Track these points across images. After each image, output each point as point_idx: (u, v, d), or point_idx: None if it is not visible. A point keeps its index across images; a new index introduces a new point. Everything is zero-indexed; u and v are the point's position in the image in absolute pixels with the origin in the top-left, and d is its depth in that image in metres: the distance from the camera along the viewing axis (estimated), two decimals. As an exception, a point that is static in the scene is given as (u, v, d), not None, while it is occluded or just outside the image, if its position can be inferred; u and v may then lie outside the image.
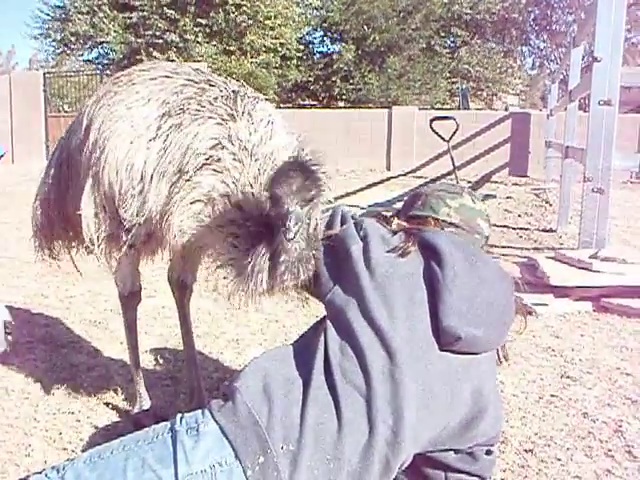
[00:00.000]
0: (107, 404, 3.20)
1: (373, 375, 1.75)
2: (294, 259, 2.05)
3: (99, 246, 2.57)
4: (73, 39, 21.26)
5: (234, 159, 2.27)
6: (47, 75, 19.03)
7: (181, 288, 3.07)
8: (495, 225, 7.77)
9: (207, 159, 2.28)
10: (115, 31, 19.59)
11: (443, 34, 23.79)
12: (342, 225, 2.14)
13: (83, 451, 2.74)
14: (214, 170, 2.27)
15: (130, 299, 2.92)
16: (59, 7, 21.68)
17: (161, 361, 3.73)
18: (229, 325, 4.35)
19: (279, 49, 20.49)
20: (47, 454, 2.75)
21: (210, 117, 2.35)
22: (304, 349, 1.90)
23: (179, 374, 3.52)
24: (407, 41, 21.96)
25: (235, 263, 2.21)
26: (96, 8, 19.79)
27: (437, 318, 1.84)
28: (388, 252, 1.98)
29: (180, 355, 3.63)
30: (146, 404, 3.00)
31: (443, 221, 2.16)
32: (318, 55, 24.21)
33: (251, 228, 2.18)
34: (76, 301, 4.96)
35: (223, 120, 2.34)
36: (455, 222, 2.16)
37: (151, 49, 19.29)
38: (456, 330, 1.82)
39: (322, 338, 1.86)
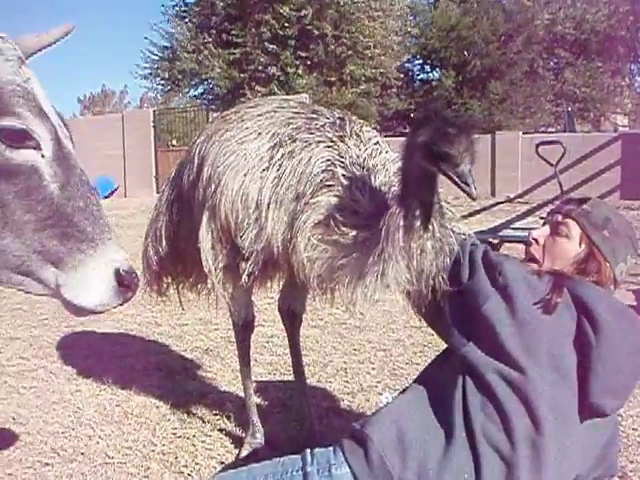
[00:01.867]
0: (221, 430, 3.27)
1: (517, 442, 1.70)
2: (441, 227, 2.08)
3: (217, 276, 2.65)
4: (180, 77, 22.16)
5: (346, 176, 2.33)
6: (156, 112, 19.89)
7: (291, 317, 3.11)
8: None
9: (321, 180, 2.35)
10: (219, 67, 20.28)
11: (546, 56, 23.28)
12: (471, 260, 2.03)
13: (199, 476, 2.82)
14: (329, 189, 2.33)
15: (245, 328, 2.99)
16: (167, 47, 22.70)
17: (271, 389, 3.78)
18: (337, 354, 4.37)
19: (379, 78, 20.61)
20: (164, 477, 2.84)
21: (320, 142, 2.43)
22: (439, 398, 1.85)
23: (289, 402, 3.56)
24: (509, 65, 21.62)
25: (358, 258, 2.21)
26: (202, 46, 20.58)
27: (586, 391, 1.76)
28: (535, 304, 1.82)
29: (289, 383, 3.67)
30: (259, 431, 3.04)
31: (613, 278, 1.97)
32: (418, 82, 24.22)
33: (372, 229, 2.19)
34: (188, 329, 5.12)
35: (332, 143, 2.43)
36: (618, 281, 1.99)
37: (254, 83, 19.84)
38: (605, 408, 1.77)
39: (460, 390, 1.80)
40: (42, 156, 1.47)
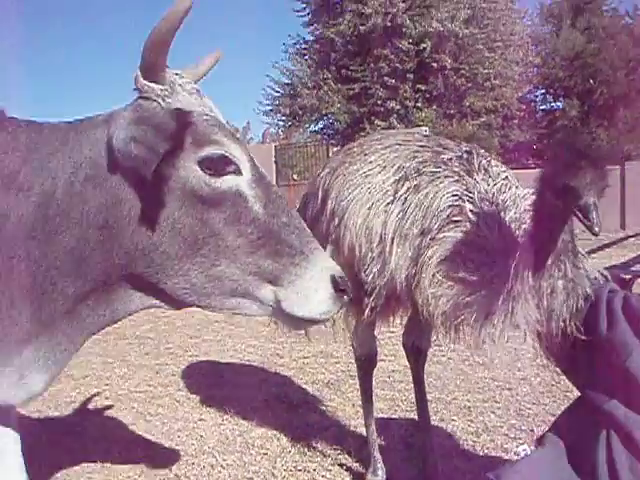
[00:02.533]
0: (341, 465, 3.24)
1: None
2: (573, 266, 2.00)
3: (339, 310, 2.64)
4: (300, 112, 22.71)
5: (474, 211, 2.28)
6: (277, 147, 20.42)
7: (416, 353, 3.05)
8: None
9: (448, 215, 2.31)
10: (339, 102, 20.63)
11: (679, 81, 22.17)
12: (609, 308, 1.87)
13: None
14: (456, 225, 2.29)
15: (367, 363, 2.96)
16: (288, 84, 23.36)
17: (393, 426, 3.71)
18: (460, 391, 4.25)
19: (500, 109, 20.31)
20: (287, 512, 2.84)
21: (447, 176, 2.39)
22: (581, 455, 1.75)
23: (411, 439, 3.48)
24: (638, 92, 20.72)
25: (485, 296, 2.16)
26: (321, 82, 21.03)
27: None
28: None
29: (411, 420, 3.60)
30: (380, 468, 2.99)
31: None
32: (541, 113, 23.69)
33: (500, 266, 2.13)
34: (309, 362, 5.14)
35: (460, 177, 2.38)
36: None
37: (373, 117, 20.02)
38: None
39: (604, 448, 1.70)
40: (243, 180, 1.50)
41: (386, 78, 19.73)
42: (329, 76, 20.98)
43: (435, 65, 19.34)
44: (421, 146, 2.60)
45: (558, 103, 23.39)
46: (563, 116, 21.49)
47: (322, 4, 21.09)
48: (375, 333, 2.97)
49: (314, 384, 4.58)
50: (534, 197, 2.00)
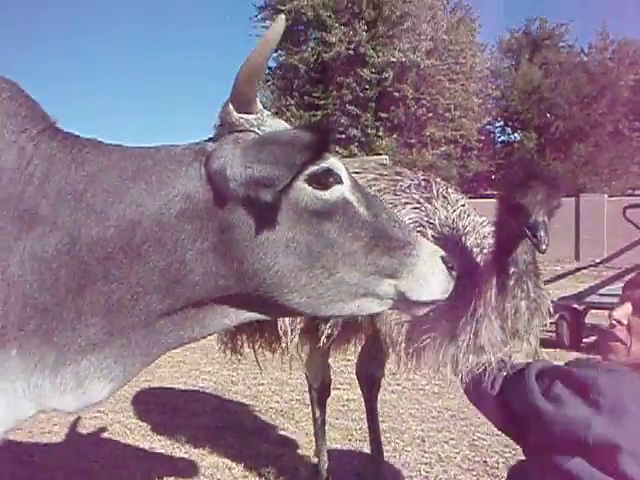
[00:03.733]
0: (293, 497, 3.18)
1: None
2: (529, 276, 2.01)
3: (292, 339, 2.61)
4: (263, 138, 22.75)
5: (436, 237, 2.29)
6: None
7: (369, 382, 3.03)
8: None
9: None
10: (301, 129, 20.74)
11: (632, 117, 22.82)
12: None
13: None
14: None
15: (320, 392, 2.93)
16: (251, 110, 23.43)
17: (346, 456, 3.67)
18: (414, 421, 4.23)
19: (459, 140, 20.65)
20: None
21: (407, 203, 2.41)
22: None
23: (363, 470, 3.43)
24: (593, 126, 21.29)
25: (450, 319, 2.16)
26: (284, 109, 21.14)
27: None
28: None
29: (365, 450, 3.56)
30: (332, 500, 2.94)
31: None
32: (499, 144, 24.14)
33: (464, 290, 2.13)
34: (264, 389, 5.08)
35: (419, 204, 2.40)
36: None
37: (334, 144, 20.17)
38: None
39: None
40: (346, 187, 1.54)
41: (348, 106, 19.93)
42: (292, 103, 21.11)
43: (397, 94, 19.61)
44: (378, 174, 2.61)
45: (516, 135, 23.89)
46: (521, 148, 21.91)
47: (286, 31, 21.23)
48: (330, 361, 2.94)
49: (268, 412, 4.52)
50: (495, 219, 2.03)
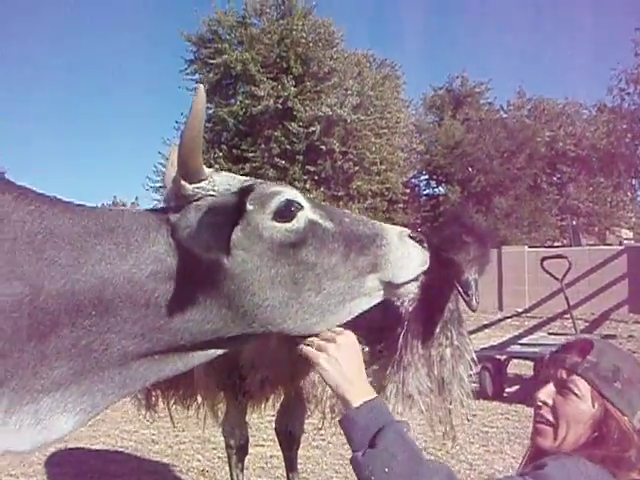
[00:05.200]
0: None
1: None
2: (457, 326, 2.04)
3: (207, 395, 2.57)
4: (191, 191, 22.59)
5: None
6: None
7: (289, 439, 2.99)
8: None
9: None
10: (230, 181, 20.73)
11: (549, 171, 23.79)
12: None
13: None
14: None
15: (238, 451, 2.87)
16: (179, 162, 23.29)
17: (268, 515, 3.59)
18: (338, 477, 4.18)
19: (385, 193, 20.99)
20: None
21: None
22: None
23: (286, 530, 3.37)
24: (512, 180, 22.04)
25: (376, 371, 2.17)
26: (212, 161, 21.09)
27: None
28: None
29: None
30: None
31: (632, 430, 1.70)
32: (424, 197, 24.66)
33: (387, 341, 2.15)
34: (185, 448, 4.94)
35: None
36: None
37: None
38: None
39: None
40: (307, 209, 1.60)
41: (276, 159, 20.06)
42: (220, 155, 21.10)
43: (324, 148, 19.85)
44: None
45: (440, 188, 24.46)
46: (445, 201, 22.44)
47: (215, 84, 21.39)
48: (254, 417, 2.90)
49: (189, 472, 4.39)
50: None
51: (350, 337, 1.67)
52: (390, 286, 1.66)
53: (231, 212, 1.52)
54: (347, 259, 1.60)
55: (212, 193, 1.57)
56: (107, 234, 1.54)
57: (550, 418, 1.75)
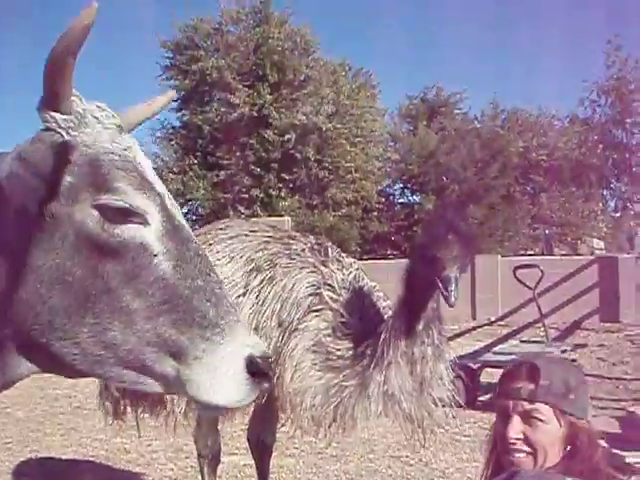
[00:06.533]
0: None
1: None
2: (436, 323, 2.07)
3: (179, 403, 2.56)
4: (165, 197, 22.46)
5: (335, 299, 2.35)
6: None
7: (261, 448, 2.98)
8: (588, 375, 7.39)
9: (309, 305, 2.35)
10: (204, 188, 20.63)
11: (522, 181, 24.03)
12: None
13: None
14: (318, 314, 2.33)
15: (210, 460, 2.86)
16: (153, 169, 23.09)
17: (240, 524, 3.58)
18: (311, 485, 4.18)
19: (360, 202, 21.07)
20: None
21: (303, 267, 2.46)
22: None
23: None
24: (486, 190, 22.23)
25: (358, 373, 2.20)
26: (187, 168, 21.02)
27: None
28: None
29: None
30: None
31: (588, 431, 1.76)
32: (399, 206, 24.76)
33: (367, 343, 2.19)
34: (158, 456, 4.91)
35: (315, 267, 2.46)
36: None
37: (237, 204, 20.16)
38: None
39: None
40: (150, 231, 1.32)
41: (251, 167, 20.04)
42: (195, 162, 21.02)
43: (299, 156, 19.89)
44: (269, 236, 2.63)
45: (415, 197, 24.60)
46: (420, 209, 22.56)
47: (191, 91, 21.32)
48: (227, 426, 2.89)
49: (161, 481, 4.36)
50: (406, 265, 2.11)
51: None
52: (184, 392, 1.30)
53: (52, 173, 1.28)
54: (155, 317, 1.28)
55: (61, 132, 1.33)
56: None
57: (527, 449, 1.78)
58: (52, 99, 1.31)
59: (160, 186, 1.48)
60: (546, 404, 1.75)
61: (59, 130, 1.33)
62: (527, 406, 1.77)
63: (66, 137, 1.33)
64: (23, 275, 1.28)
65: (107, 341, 1.28)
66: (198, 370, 1.26)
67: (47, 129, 1.34)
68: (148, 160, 1.53)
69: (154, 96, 1.73)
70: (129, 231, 1.30)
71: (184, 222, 1.44)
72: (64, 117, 1.33)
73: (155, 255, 1.30)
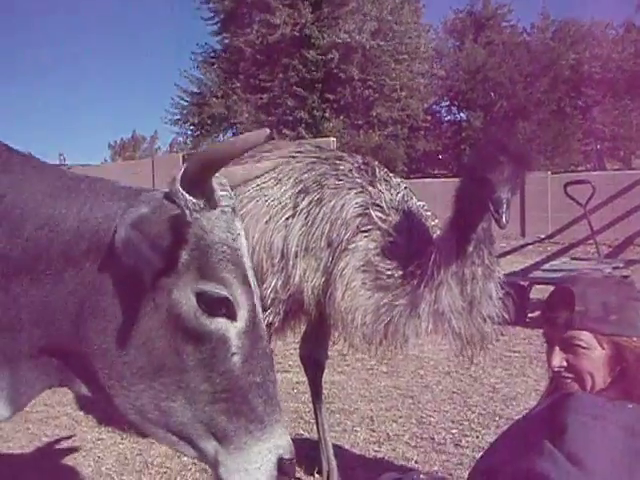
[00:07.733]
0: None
1: None
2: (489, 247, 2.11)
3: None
4: (209, 122, 22.49)
5: (383, 219, 2.34)
6: (185, 156, 20.13)
7: (313, 366, 3.04)
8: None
9: (357, 225, 2.35)
10: (248, 112, 20.58)
11: (573, 95, 23.28)
12: None
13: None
14: (366, 233, 2.33)
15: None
16: (197, 94, 23.08)
17: (296, 439, 3.68)
18: (363, 401, 4.27)
19: (406, 120, 20.76)
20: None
21: (350, 187, 2.43)
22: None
23: (313, 453, 3.46)
24: (536, 105, 21.65)
25: (408, 293, 2.22)
26: (230, 91, 20.93)
27: None
28: None
29: (315, 432, 3.58)
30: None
31: None
32: (445, 124, 24.35)
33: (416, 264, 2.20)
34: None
35: (363, 188, 2.43)
36: None
37: (281, 127, 20.06)
38: None
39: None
40: (235, 327, 1.40)
41: (294, 88, 19.84)
42: (238, 85, 20.90)
43: (343, 76, 19.58)
44: (316, 157, 2.60)
45: (462, 114, 24.13)
46: (467, 127, 22.16)
47: (231, 13, 21.02)
48: (280, 344, 2.95)
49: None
50: (456, 186, 2.09)
51: None
52: (215, 468, 1.42)
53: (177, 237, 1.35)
54: (214, 402, 1.39)
55: (185, 211, 1.35)
56: (70, 195, 1.46)
57: (572, 376, 1.75)
58: (192, 187, 1.35)
59: (253, 279, 1.49)
60: (584, 330, 1.72)
61: (184, 209, 1.35)
62: (566, 334, 1.74)
63: (189, 218, 1.35)
64: (110, 325, 1.40)
65: (166, 409, 1.40)
66: (236, 459, 1.39)
67: (171, 200, 1.37)
68: (245, 240, 1.51)
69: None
70: (216, 324, 1.38)
71: (261, 317, 1.48)
72: (194, 201, 1.35)
73: (232, 350, 1.39)
